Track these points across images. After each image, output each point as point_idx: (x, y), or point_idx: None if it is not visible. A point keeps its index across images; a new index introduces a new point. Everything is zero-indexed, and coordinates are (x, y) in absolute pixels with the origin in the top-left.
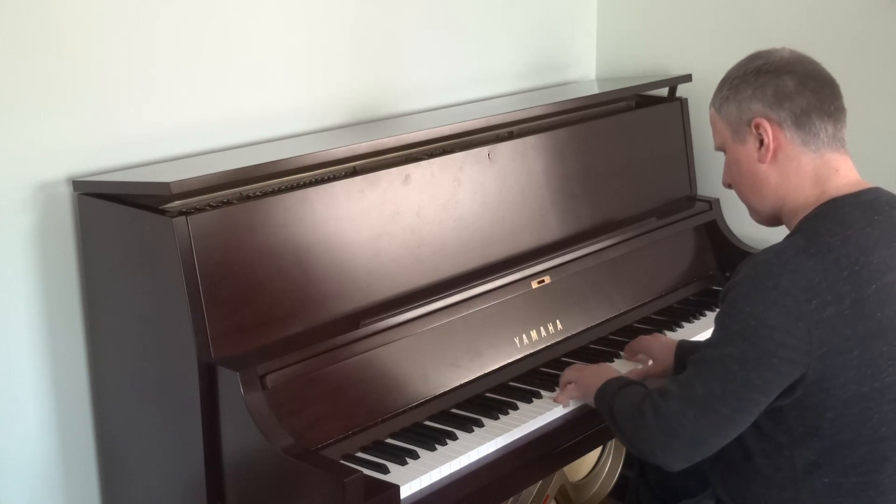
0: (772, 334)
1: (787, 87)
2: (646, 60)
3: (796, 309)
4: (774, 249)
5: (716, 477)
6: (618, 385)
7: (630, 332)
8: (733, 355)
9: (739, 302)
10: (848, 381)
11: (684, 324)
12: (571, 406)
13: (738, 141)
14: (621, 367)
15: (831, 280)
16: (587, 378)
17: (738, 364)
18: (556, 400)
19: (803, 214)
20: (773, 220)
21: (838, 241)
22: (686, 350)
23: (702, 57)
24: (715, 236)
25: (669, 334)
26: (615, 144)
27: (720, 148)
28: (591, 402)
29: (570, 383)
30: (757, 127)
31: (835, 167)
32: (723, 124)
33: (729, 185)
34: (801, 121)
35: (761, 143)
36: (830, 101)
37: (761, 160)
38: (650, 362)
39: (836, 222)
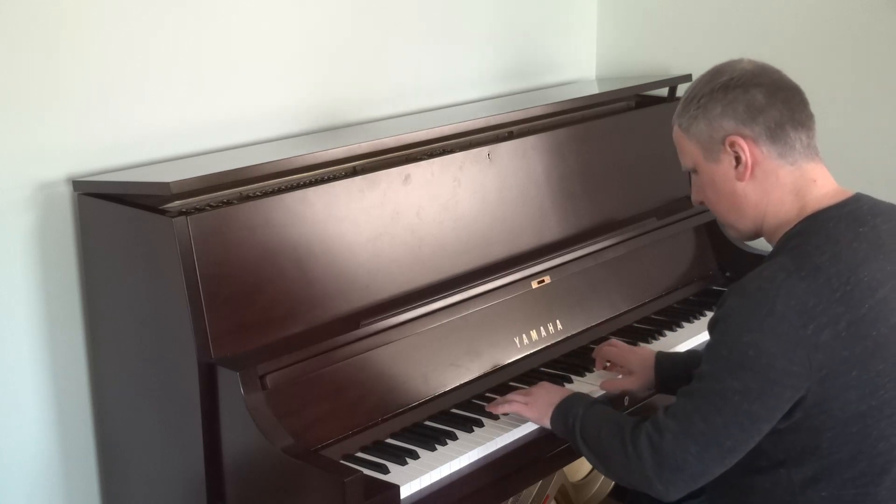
0: (773, 363)
1: (758, 100)
2: (646, 60)
3: (794, 334)
4: (764, 275)
5: (713, 492)
6: (584, 405)
7: (630, 332)
8: (735, 387)
9: (735, 331)
10: (848, 401)
11: (684, 324)
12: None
13: (711, 160)
14: (595, 376)
15: (825, 302)
16: (540, 396)
17: (741, 396)
18: (487, 408)
19: (786, 229)
20: (753, 236)
21: (827, 259)
22: (665, 362)
23: (702, 57)
24: (715, 236)
25: (669, 334)
26: (615, 144)
27: (691, 169)
28: (544, 422)
29: (513, 402)
30: (732, 145)
31: (812, 177)
32: (692, 145)
33: (700, 203)
34: (776, 134)
35: (737, 160)
36: (801, 109)
37: (739, 178)
38: (619, 377)
39: (822, 239)
